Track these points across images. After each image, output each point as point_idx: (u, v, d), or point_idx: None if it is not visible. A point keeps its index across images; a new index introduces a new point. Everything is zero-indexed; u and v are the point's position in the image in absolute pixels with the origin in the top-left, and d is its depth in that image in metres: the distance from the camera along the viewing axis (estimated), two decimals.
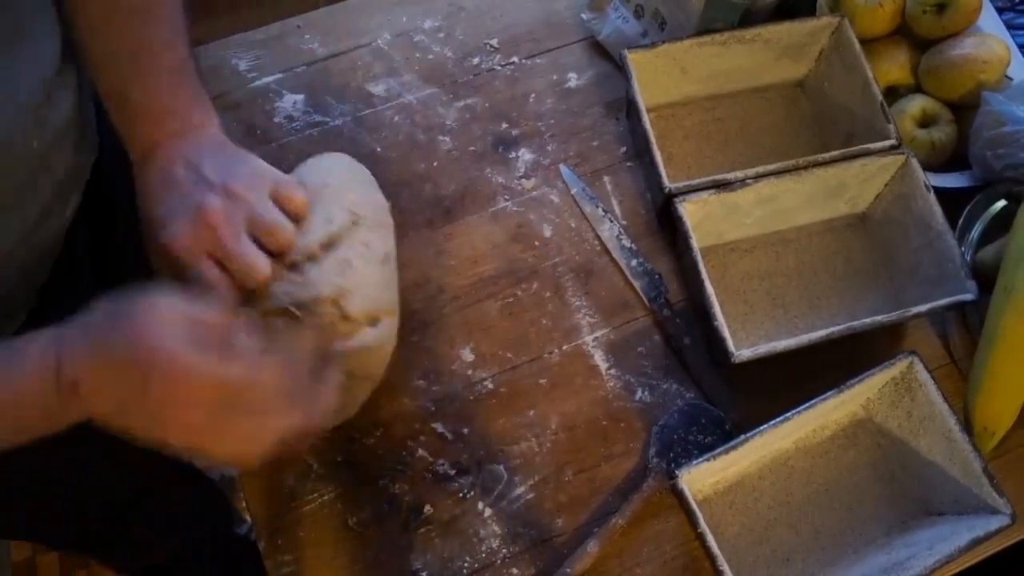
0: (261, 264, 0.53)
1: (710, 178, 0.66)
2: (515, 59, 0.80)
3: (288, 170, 0.74)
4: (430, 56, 0.80)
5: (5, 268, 0.59)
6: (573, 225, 0.73)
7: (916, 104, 0.75)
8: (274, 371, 0.48)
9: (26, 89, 0.55)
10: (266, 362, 0.48)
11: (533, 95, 0.79)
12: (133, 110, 0.56)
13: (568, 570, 0.60)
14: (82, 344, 0.45)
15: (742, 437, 0.59)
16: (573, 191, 0.74)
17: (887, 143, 0.68)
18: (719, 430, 0.65)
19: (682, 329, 0.69)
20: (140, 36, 0.56)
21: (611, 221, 0.73)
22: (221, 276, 0.52)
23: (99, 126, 0.69)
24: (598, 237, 0.73)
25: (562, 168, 0.75)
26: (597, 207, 0.73)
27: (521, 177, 0.75)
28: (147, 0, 0.56)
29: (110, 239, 0.79)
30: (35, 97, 0.56)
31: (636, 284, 0.71)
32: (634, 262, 0.71)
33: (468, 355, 0.68)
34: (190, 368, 0.45)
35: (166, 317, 0.45)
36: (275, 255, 0.54)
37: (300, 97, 0.78)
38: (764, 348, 0.61)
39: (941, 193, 0.67)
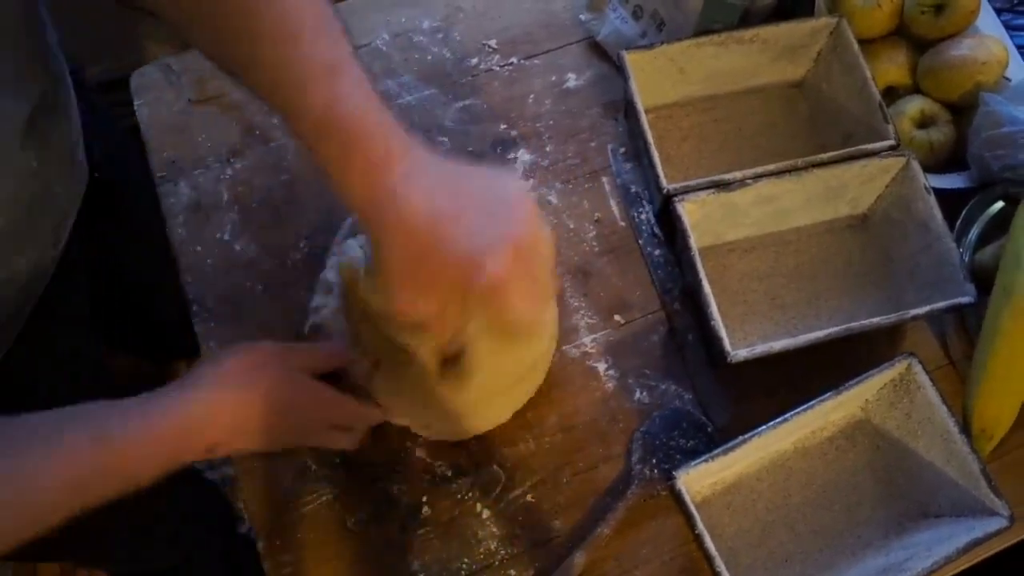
0: None
1: (708, 179, 0.66)
2: (513, 60, 0.80)
3: (289, 167, 0.75)
4: (429, 57, 0.80)
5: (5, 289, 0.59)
6: (571, 226, 0.73)
7: (914, 105, 0.75)
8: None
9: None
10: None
11: (532, 96, 0.79)
12: (346, 134, 0.45)
13: None
14: (219, 412, 0.52)
15: (740, 438, 0.59)
16: (614, 169, 0.75)
17: (886, 144, 0.68)
18: (701, 434, 0.65)
19: (689, 325, 0.69)
20: (330, 54, 0.47)
21: (647, 205, 0.73)
22: None
23: (88, 151, 0.69)
24: (631, 226, 0.73)
25: (609, 148, 0.76)
26: (632, 190, 0.74)
27: (520, 178, 0.75)
28: (316, 14, 0.47)
29: (105, 256, 0.79)
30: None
31: (656, 273, 0.71)
32: (657, 251, 0.72)
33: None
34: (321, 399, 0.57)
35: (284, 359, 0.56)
36: None
37: None
38: (761, 348, 0.61)
39: (939, 194, 0.67)
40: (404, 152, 0.46)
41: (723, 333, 0.61)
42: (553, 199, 0.74)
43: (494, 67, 0.80)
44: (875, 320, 0.63)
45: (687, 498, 0.56)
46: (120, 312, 0.94)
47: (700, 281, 0.63)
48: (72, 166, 0.65)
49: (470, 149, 0.76)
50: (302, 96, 0.46)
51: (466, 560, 0.62)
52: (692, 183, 0.66)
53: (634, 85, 0.69)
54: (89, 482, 0.48)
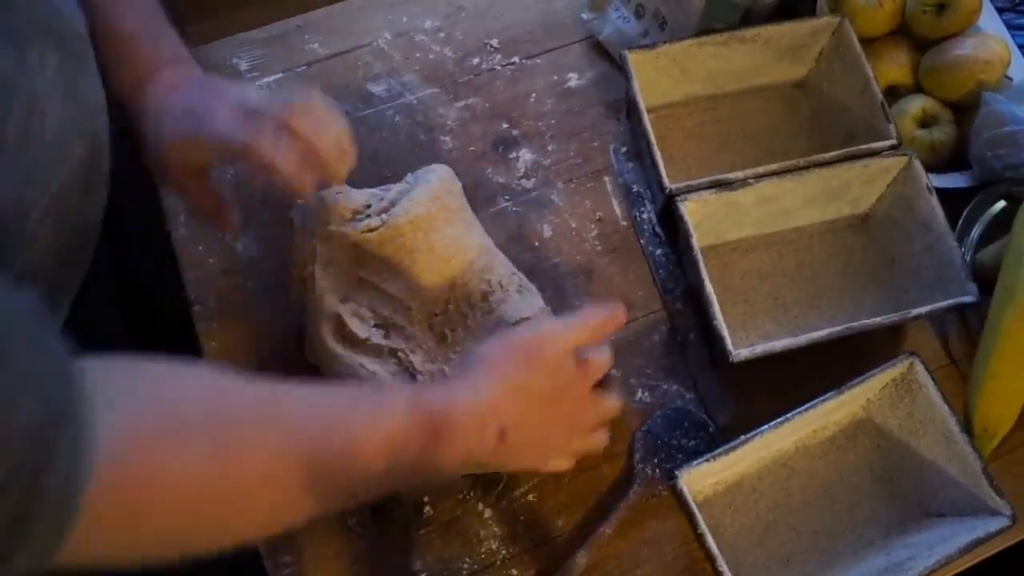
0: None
1: (710, 178, 0.66)
2: (515, 59, 0.80)
3: None
4: (431, 56, 0.80)
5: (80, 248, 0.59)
6: (574, 225, 0.73)
7: (916, 104, 0.75)
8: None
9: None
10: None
11: (533, 95, 0.79)
12: (128, 38, 0.57)
13: None
14: (504, 396, 0.51)
15: (742, 438, 0.59)
16: (616, 168, 0.75)
17: (887, 143, 0.68)
18: (703, 433, 0.65)
19: (691, 325, 0.69)
20: None
21: (649, 205, 0.73)
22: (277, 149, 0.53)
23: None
24: (633, 226, 0.73)
25: (611, 147, 0.76)
26: (634, 190, 0.74)
27: (521, 177, 0.75)
28: None
29: (115, 193, 0.79)
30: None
31: (657, 273, 0.71)
32: (659, 251, 0.72)
33: None
34: (587, 371, 0.55)
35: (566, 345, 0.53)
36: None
37: None
38: (763, 347, 0.61)
39: (941, 193, 0.67)
40: (171, 61, 0.58)
41: (725, 332, 0.61)
42: (555, 198, 0.74)
43: (496, 66, 0.80)
44: (877, 319, 0.63)
45: (689, 497, 0.56)
46: (119, 312, 0.94)
47: (702, 280, 0.63)
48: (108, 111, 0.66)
49: (472, 148, 0.76)
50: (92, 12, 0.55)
51: (468, 560, 0.62)
52: (694, 183, 0.66)
53: (636, 84, 0.69)
54: (408, 441, 0.46)
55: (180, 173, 0.58)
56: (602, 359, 0.56)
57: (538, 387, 0.52)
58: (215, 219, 0.64)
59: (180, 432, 0.38)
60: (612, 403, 0.58)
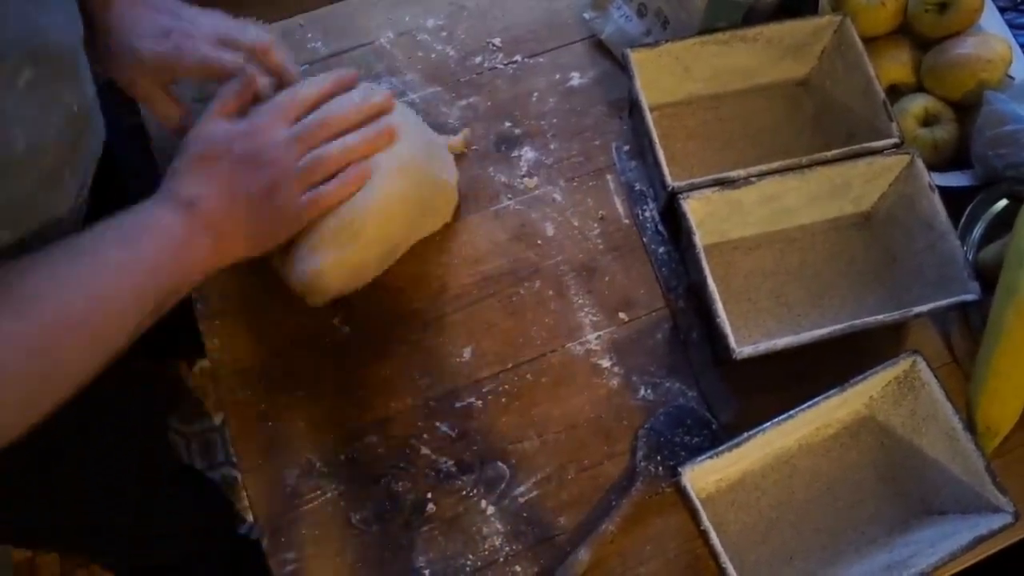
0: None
1: (713, 176, 0.67)
2: (517, 58, 0.80)
3: None
4: (432, 55, 0.80)
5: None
6: (576, 224, 0.73)
7: (918, 103, 0.75)
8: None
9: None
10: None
11: (536, 94, 0.79)
12: None
13: None
14: (174, 175, 0.57)
15: (745, 435, 0.59)
16: (618, 167, 0.75)
17: (889, 142, 0.68)
18: (706, 431, 0.66)
19: (694, 323, 0.69)
20: None
21: (652, 203, 0.73)
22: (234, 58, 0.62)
23: (105, 110, 0.69)
24: (635, 224, 0.73)
25: (613, 146, 0.76)
26: (636, 188, 0.74)
27: (524, 176, 0.75)
28: None
29: (117, 192, 0.79)
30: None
31: (660, 271, 0.71)
32: (661, 249, 0.72)
33: (470, 354, 0.68)
34: (258, 115, 0.60)
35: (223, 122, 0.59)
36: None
37: None
38: (765, 345, 0.61)
39: (943, 192, 0.67)
40: None
41: (728, 330, 0.61)
42: (558, 197, 0.74)
43: (498, 65, 0.80)
44: (879, 318, 0.63)
45: (692, 495, 0.56)
46: None
47: (705, 278, 0.63)
48: (96, 116, 0.67)
49: (474, 147, 0.76)
50: None
51: (470, 557, 0.62)
52: (697, 181, 0.66)
53: (638, 83, 0.70)
54: (149, 281, 0.53)
55: (149, 85, 0.63)
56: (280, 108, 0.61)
57: (189, 162, 0.58)
58: (182, 127, 0.67)
59: None
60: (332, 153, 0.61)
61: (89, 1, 0.59)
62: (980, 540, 0.56)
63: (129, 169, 0.80)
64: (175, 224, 0.54)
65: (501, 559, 0.62)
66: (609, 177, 0.76)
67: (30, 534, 0.87)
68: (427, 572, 0.62)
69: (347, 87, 0.64)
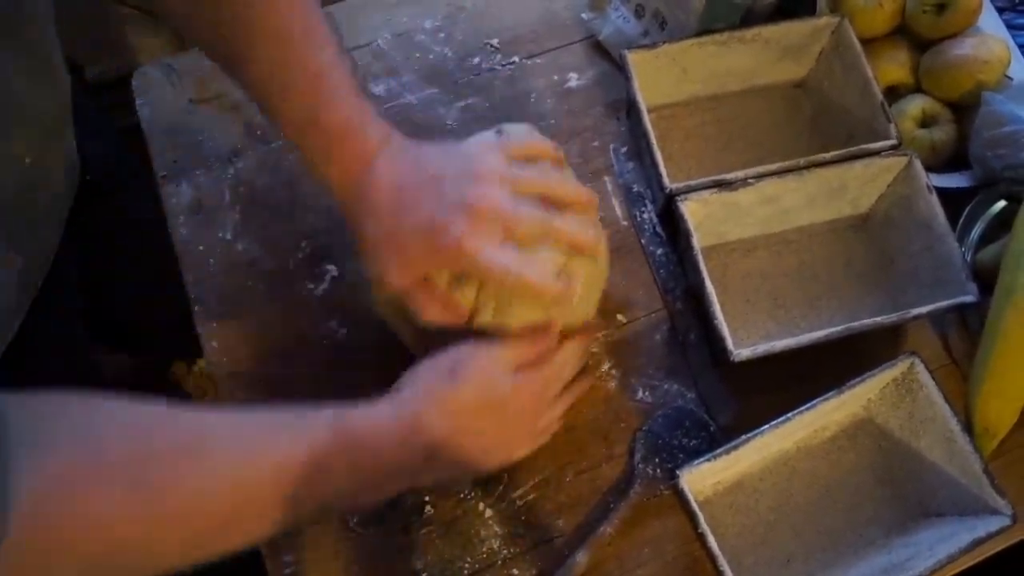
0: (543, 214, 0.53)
1: (711, 178, 0.66)
2: (515, 59, 0.80)
3: (291, 167, 0.75)
4: (430, 56, 0.80)
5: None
6: None
7: (916, 104, 0.75)
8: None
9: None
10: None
11: (534, 95, 0.79)
12: (329, 134, 0.52)
13: None
14: (439, 416, 0.50)
15: (743, 437, 0.59)
16: (616, 168, 0.75)
17: (887, 143, 0.68)
18: (704, 433, 0.65)
19: (692, 325, 0.69)
20: (315, 60, 0.51)
21: (650, 205, 0.73)
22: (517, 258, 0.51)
23: (80, 149, 0.68)
24: (633, 226, 0.73)
25: (611, 147, 0.76)
26: (634, 189, 0.74)
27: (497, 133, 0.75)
28: (305, 23, 0.52)
29: (106, 241, 0.79)
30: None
31: (658, 273, 0.71)
32: (659, 251, 0.72)
33: None
34: (531, 383, 0.54)
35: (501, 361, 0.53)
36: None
37: None
38: (763, 347, 0.61)
39: (941, 193, 0.67)
40: (380, 144, 0.52)
41: (726, 332, 0.61)
42: None
43: (496, 66, 0.80)
44: (877, 319, 0.63)
45: (690, 497, 0.56)
46: (119, 313, 0.94)
47: (703, 280, 0.63)
48: (61, 141, 0.65)
49: None
50: (286, 101, 0.51)
51: (468, 559, 0.62)
52: (694, 183, 0.66)
53: (636, 84, 0.69)
54: (330, 463, 0.46)
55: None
56: (555, 369, 0.57)
57: (465, 399, 0.51)
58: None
59: (101, 473, 0.38)
60: (560, 406, 0.60)
61: (335, 188, 0.53)
62: (978, 542, 0.56)
63: (119, 173, 0.80)
64: (390, 453, 0.49)
65: (499, 562, 0.62)
66: (607, 179, 0.76)
67: None
68: (425, 575, 0.62)
69: None
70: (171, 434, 0.42)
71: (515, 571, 0.62)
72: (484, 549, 0.63)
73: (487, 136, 0.56)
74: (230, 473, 0.43)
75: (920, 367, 0.62)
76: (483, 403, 0.52)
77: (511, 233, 0.51)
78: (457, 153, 0.54)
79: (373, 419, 0.49)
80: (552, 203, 0.54)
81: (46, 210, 0.62)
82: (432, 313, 0.54)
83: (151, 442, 0.41)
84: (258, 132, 0.76)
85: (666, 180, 0.66)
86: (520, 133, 0.59)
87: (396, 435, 0.49)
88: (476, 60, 0.80)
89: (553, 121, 0.78)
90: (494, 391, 0.52)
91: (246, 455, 0.44)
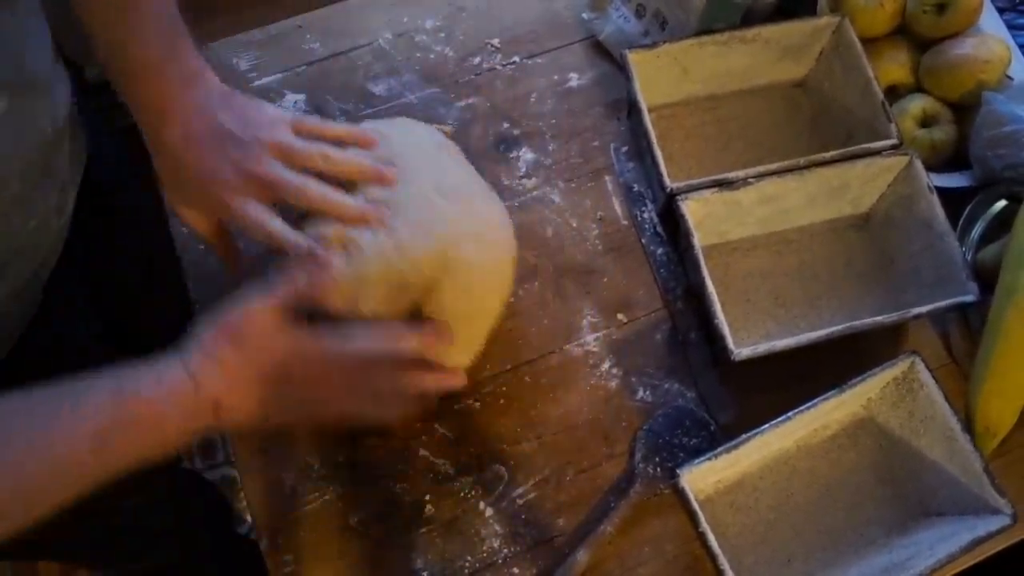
0: (313, 185, 0.56)
1: (711, 178, 0.67)
2: (516, 59, 0.80)
3: None
4: (431, 56, 0.80)
5: (10, 265, 0.59)
6: (575, 225, 0.73)
7: (917, 104, 0.75)
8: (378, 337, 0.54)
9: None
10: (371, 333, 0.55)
11: (534, 95, 0.79)
12: (135, 65, 0.56)
13: None
14: (210, 365, 0.50)
15: (743, 436, 0.59)
16: (616, 168, 0.75)
17: (888, 143, 0.68)
18: (704, 432, 0.65)
19: (692, 324, 0.69)
20: None
21: (650, 204, 0.73)
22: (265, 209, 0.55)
23: (88, 128, 0.69)
24: (634, 225, 0.73)
25: (611, 147, 0.76)
26: (634, 189, 0.74)
27: (522, 177, 0.75)
28: None
29: (107, 241, 0.79)
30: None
31: (658, 272, 0.71)
32: (660, 250, 0.72)
33: None
34: (323, 352, 0.52)
35: (272, 316, 0.52)
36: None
37: (301, 97, 0.78)
38: (764, 347, 0.61)
39: (942, 193, 0.67)
40: (183, 85, 0.57)
41: (726, 332, 0.61)
42: (556, 198, 0.74)
43: (496, 66, 0.80)
44: (878, 319, 0.63)
45: (690, 496, 0.56)
46: (119, 313, 0.94)
47: (703, 280, 0.63)
48: (73, 129, 0.66)
49: (473, 148, 0.76)
50: (102, 31, 0.56)
51: (469, 559, 0.62)
52: (695, 182, 0.66)
53: (637, 84, 0.69)
54: (112, 438, 0.47)
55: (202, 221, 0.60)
56: (355, 348, 0.54)
57: (249, 362, 0.51)
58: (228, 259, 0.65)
59: None
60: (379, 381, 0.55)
61: (143, 113, 0.57)
62: (978, 542, 0.56)
63: (119, 173, 0.80)
64: (179, 414, 0.49)
65: (499, 561, 0.62)
66: (608, 178, 0.76)
67: (30, 544, 0.87)
68: (425, 574, 0.62)
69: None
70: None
71: (515, 570, 0.62)
72: (484, 548, 0.63)
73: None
74: (22, 450, 0.45)
75: (921, 366, 0.62)
76: (271, 364, 0.51)
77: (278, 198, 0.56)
78: (250, 119, 0.57)
79: (156, 387, 0.49)
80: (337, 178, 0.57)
81: (70, 175, 0.64)
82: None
83: None
84: None
85: (667, 179, 0.66)
86: (405, 128, 0.63)
87: (181, 399, 0.49)
88: (477, 60, 0.80)
89: (554, 121, 0.78)
90: (271, 350, 0.51)
91: (23, 436, 0.45)
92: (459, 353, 0.61)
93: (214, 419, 0.50)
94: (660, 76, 0.73)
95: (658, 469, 0.64)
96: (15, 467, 0.44)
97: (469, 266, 0.58)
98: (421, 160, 0.60)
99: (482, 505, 0.64)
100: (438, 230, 0.57)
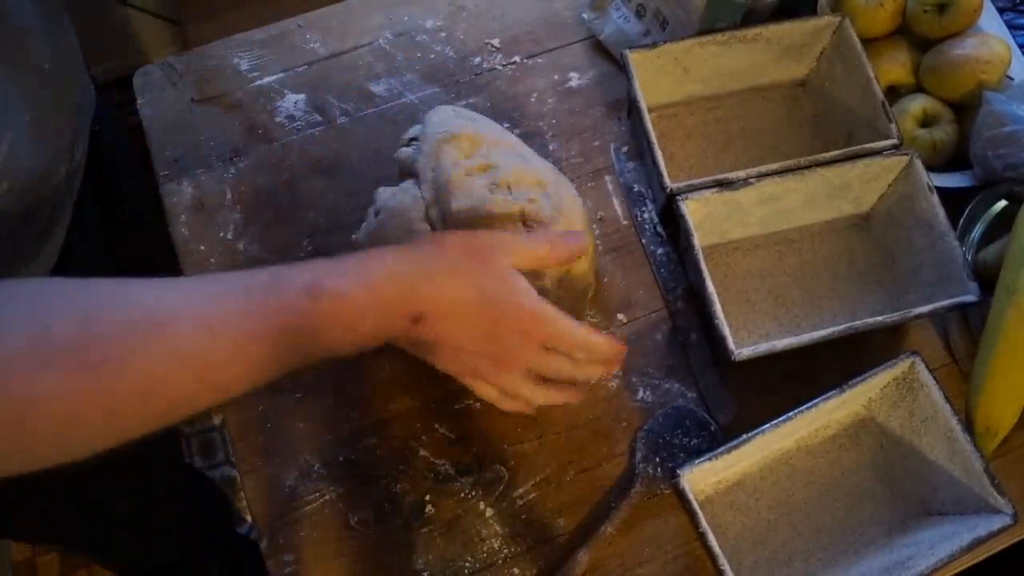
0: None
1: (712, 177, 0.67)
2: (516, 59, 0.80)
3: (292, 166, 0.75)
4: (431, 56, 0.80)
5: (25, 200, 0.58)
6: None
7: (917, 104, 0.75)
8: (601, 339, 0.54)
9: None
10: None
11: (535, 95, 0.79)
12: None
13: None
14: (437, 284, 0.49)
15: (743, 436, 0.59)
16: (617, 168, 0.75)
17: (888, 143, 0.68)
18: (704, 433, 0.65)
19: (692, 324, 0.69)
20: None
21: (650, 204, 0.73)
22: None
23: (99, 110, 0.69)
24: (634, 225, 0.73)
25: (611, 147, 0.76)
26: (635, 189, 0.74)
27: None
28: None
29: (107, 241, 0.79)
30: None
31: (659, 272, 0.71)
32: (660, 250, 0.72)
33: None
34: (543, 314, 0.51)
35: (520, 259, 0.51)
36: None
37: (301, 97, 0.78)
38: (764, 346, 0.61)
39: (942, 193, 0.67)
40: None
41: (727, 332, 0.61)
42: None
43: (497, 66, 0.80)
44: (878, 319, 0.63)
45: (691, 496, 0.56)
46: None
47: (704, 280, 0.63)
48: (80, 74, 0.65)
49: None
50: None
51: (469, 559, 0.62)
52: (695, 182, 0.66)
53: (637, 84, 0.69)
54: (301, 337, 0.45)
55: None
56: (564, 325, 0.52)
57: (471, 283, 0.50)
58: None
59: (49, 356, 0.38)
60: (561, 363, 0.54)
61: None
62: (979, 542, 0.56)
63: (120, 173, 0.80)
64: (376, 322, 0.47)
65: (500, 561, 0.62)
66: (608, 178, 0.76)
67: (31, 534, 0.87)
68: (426, 574, 0.62)
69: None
70: (123, 313, 0.41)
71: (516, 570, 0.62)
72: (485, 548, 0.63)
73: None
74: (190, 349, 0.42)
75: (921, 366, 0.62)
76: (488, 297, 0.50)
77: None
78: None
79: (356, 282, 0.47)
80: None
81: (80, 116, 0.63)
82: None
83: (101, 322, 0.40)
84: (259, 131, 0.76)
85: (667, 179, 0.66)
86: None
87: (381, 298, 0.48)
88: (477, 60, 0.80)
89: (554, 121, 0.78)
90: (500, 284, 0.50)
91: (208, 326, 0.42)
92: None
93: (406, 331, 0.49)
94: (660, 76, 0.73)
95: (658, 469, 0.64)
96: (196, 358, 0.42)
97: (590, 249, 0.64)
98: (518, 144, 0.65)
99: (482, 505, 0.64)
100: (580, 209, 0.64)
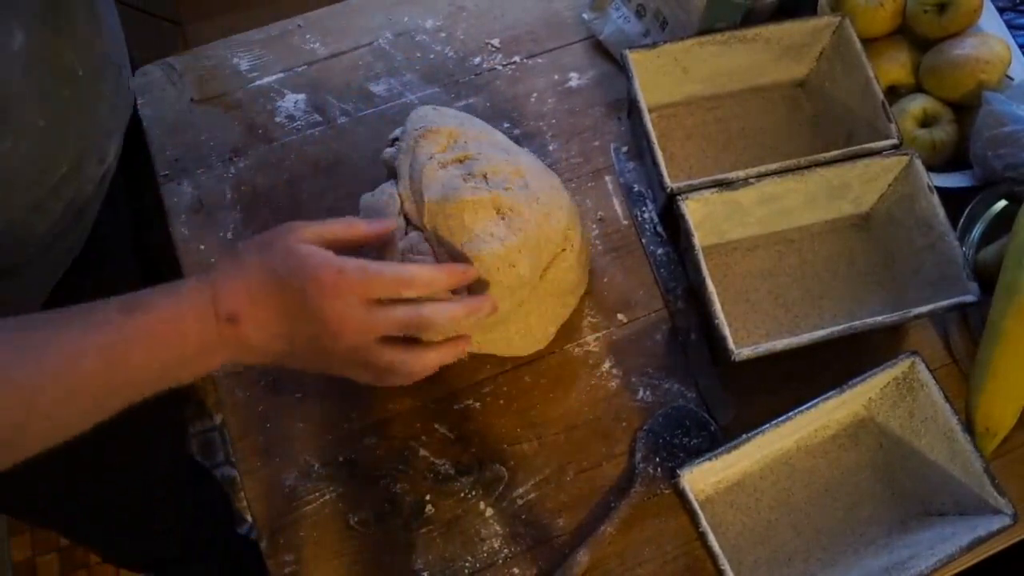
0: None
1: (712, 177, 0.67)
2: (516, 59, 0.80)
3: (292, 166, 0.75)
4: (431, 56, 0.80)
5: (55, 202, 0.59)
6: None
7: (917, 104, 0.75)
8: (421, 268, 0.54)
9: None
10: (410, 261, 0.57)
11: (534, 95, 0.79)
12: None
13: None
14: (234, 278, 0.50)
15: (743, 436, 0.59)
16: (617, 168, 0.75)
17: (888, 143, 0.68)
18: (704, 433, 0.65)
19: (692, 324, 0.69)
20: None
21: (650, 204, 0.73)
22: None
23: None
24: (634, 225, 0.73)
25: (612, 147, 0.76)
26: (635, 189, 0.74)
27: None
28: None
29: (145, 190, 0.79)
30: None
31: (659, 272, 0.71)
32: (660, 250, 0.72)
33: (469, 355, 0.68)
34: (344, 268, 0.50)
35: (307, 234, 0.52)
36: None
37: (301, 97, 0.78)
38: (764, 346, 0.61)
39: (942, 193, 0.67)
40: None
41: (727, 332, 0.61)
42: None
43: (497, 66, 0.80)
44: (878, 319, 0.63)
45: (691, 496, 0.56)
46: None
47: (703, 280, 0.63)
48: (118, 77, 0.66)
49: None
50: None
51: (469, 559, 0.62)
52: (695, 182, 0.66)
53: (637, 84, 0.69)
54: (123, 350, 0.47)
55: None
56: (374, 269, 0.52)
57: (262, 268, 0.50)
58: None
59: None
60: (400, 312, 0.53)
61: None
62: (979, 542, 0.56)
63: (119, 173, 0.80)
64: (197, 326, 0.49)
65: (500, 561, 0.62)
66: (608, 178, 0.76)
67: (35, 511, 0.87)
68: (425, 574, 0.62)
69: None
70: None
71: (515, 570, 0.62)
72: (485, 548, 0.63)
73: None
74: (50, 368, 0.45)
75: (921, 366, 0.62)
76: (288, 279, 0.50)
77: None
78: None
79: (169, 299, 0.49)
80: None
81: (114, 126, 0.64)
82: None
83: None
84: (259, 131, 0.76)
85: (667, 179, 0.66)
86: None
87: (197, 312, 0.49)
88: (477, 60, 0.80)
89: (554, 121, 0.78)
90: (291, 261, 0.50)
91: (47, 348, 0.45)
92: (536, 342, 0.67)
93: (233, 336, 0.49)
94: (660, 76, 0.73)
95: (658, 469, 0.64)
96: (32, 379, 0.44)
97: (577, 244, 0.65)
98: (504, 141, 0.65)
99: (482, 505, 0.64)
100: (566, 203, 0.64)
